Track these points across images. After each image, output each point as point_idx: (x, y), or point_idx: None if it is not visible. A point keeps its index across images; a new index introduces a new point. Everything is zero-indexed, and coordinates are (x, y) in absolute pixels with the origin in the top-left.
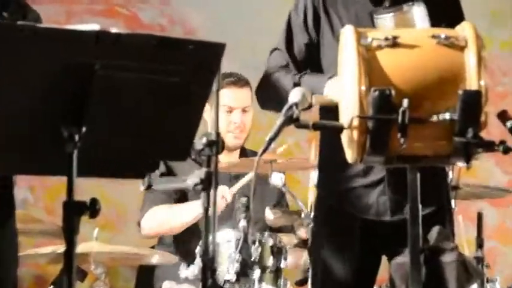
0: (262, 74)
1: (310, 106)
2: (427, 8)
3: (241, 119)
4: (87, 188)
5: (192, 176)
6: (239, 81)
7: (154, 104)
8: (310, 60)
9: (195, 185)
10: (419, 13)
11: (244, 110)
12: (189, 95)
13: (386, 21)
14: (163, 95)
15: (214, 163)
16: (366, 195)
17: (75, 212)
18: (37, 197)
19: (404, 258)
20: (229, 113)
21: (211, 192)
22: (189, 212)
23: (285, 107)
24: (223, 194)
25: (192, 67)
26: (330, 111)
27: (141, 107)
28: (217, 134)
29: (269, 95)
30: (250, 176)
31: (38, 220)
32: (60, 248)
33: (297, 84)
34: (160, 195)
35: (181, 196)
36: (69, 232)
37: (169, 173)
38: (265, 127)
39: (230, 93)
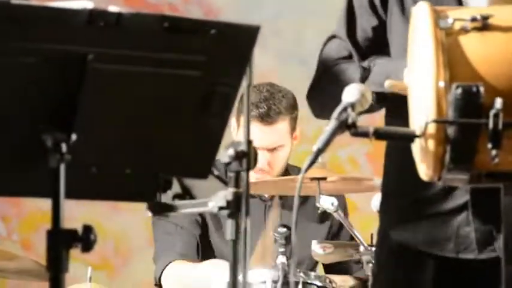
0: (316, 70)
1: (372, 108)
2: None
3: (268, 159)
4: (77, 215)
5: (215, 198)
6: (268, 116)
7: (165, 105)
8: (378, 48)
9: (220, 208)
10: None
11: (272, 149)
12: (212, 93)
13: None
14: (177, 94)
15: (245, 181)
16: (444, 225)
17: (63, 243)
18: (11, 228)
19: None
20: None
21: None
22: (221, 277)
23: (338, 109)
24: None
25: (215, 58)
26: (399, 115)
27: (147, 109)
28: (249, 143)
29: (327, 98)
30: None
31: (12, 256)
32: None
33: (366, 71)
34: (178, 235)
35: (205, 230)
36: (55, 270)
37: (186, 194)
38: (311, 138)
39: (254, 130)
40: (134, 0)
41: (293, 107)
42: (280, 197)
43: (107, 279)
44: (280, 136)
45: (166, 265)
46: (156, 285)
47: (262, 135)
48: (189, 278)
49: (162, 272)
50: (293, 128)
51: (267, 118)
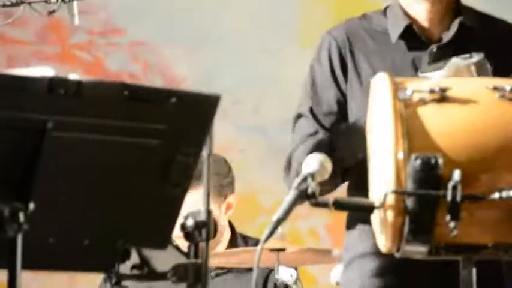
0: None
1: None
2: (489, 56)
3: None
4: (34, 287)
5: (173, 270)
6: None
7: (125, 174)
8: (342, 120)
9: (178, 279)
10: (478, 66)
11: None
12: (171, 162)
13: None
14: (137, 163)
15: (204, 252)
16: None
17: None
18: None
19: None
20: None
21: None
22: None
23: (297, 179)
24: None
25: (176, 126)
26: (361, 187)
27: (107, 178)
28: (209, 213)
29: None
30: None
31: None
32: None
33: (331, 148)
34: None
35: None
36: None
37: (144, 264)
38: (269, 210)
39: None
40: (94, 68)
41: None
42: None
43: None
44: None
45: None
46: None
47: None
48: None
49: None
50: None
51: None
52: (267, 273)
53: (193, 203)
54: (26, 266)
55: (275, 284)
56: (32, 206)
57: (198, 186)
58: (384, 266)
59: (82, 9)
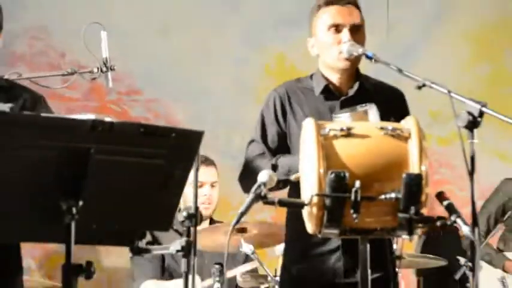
0: (243, 162)
1: (279, 186)
2: (378, 107)
3: (210, 192)
4: (82, 255)
5: (174, 244)
6: (207, 160)
7: (141, 182)
8: (282, 148)
9: (177, 251)
10: (371, 112)
11: (212, 185)
12: (171, 174)
13: (343, 119)
14: (149, 175)
15: (194, 233)
16: (324, 261)
17: (73, 273)
18: (39, 264)
19: None
20: (200, 187)
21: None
22: None
23: (254, 186)
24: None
25: (174, 151)
26: (296, 192)
27: (130, 184)
28: (196, 209)
29: (251, 180)
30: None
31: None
32: None
33: (275, 166)
34: (148, 265)
35: (164, 265)
36: None
37: (155, 241)
38: (236, 206)
39: (200, 170)
40: (122, 116)
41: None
42: None
43: None
44: (215, 175)
45: (142, 283)
46: None
47: (205, 172)
48: None
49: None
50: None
51: (206, 161)
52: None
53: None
54: (77, 242)
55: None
56: (80, 203)
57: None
58: (309, 244)
59: (114, 77)
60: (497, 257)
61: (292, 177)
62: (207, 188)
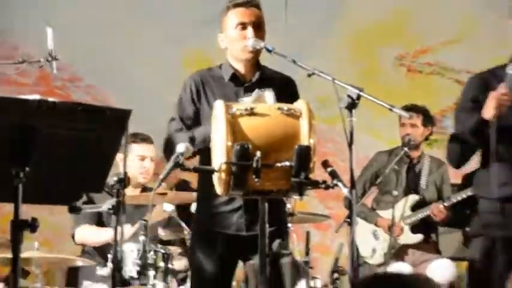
0: (165, 137)
1: (194, 155)
2: (274, 92)
3: (149, 165)
4: (28, 212)
5: (106, 204)
6: (148, 139)
7: (79, 151)
8: (196, 124)
9: (108, 209)
10: (269, 95)
11: (151, 159)
12: (104, 145)
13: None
14: (86, 145)
15: (122, 195)
16: (229, 217)
17: (20, 227)
18: None
19: (255, 261)
20: (142, 160)
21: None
22: (105, 235)
23: (174, 156)
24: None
25: (107, 126)
26: (207, 158)
27: (69, 154)
28: (125, 174)
29: (172, 151)
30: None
31: None
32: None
33: (192, 138)
34: (84, 218)
35: (99, 219)
36: (15, 242)
37: (90, 201)
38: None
39: (143, 147)
40: (65, 98)
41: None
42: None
43: (47, 250)
44: (153, 151)
45: (77, 228)
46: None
47: (147, 148)
48: (94, 232)
49: (75, 231)
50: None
51: (148, 139)
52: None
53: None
54: (25, 201)
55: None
56: (27, 169)
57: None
58: (217, 204)
59: (58, 66)
60: (371, 215)
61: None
62: (147, 162)
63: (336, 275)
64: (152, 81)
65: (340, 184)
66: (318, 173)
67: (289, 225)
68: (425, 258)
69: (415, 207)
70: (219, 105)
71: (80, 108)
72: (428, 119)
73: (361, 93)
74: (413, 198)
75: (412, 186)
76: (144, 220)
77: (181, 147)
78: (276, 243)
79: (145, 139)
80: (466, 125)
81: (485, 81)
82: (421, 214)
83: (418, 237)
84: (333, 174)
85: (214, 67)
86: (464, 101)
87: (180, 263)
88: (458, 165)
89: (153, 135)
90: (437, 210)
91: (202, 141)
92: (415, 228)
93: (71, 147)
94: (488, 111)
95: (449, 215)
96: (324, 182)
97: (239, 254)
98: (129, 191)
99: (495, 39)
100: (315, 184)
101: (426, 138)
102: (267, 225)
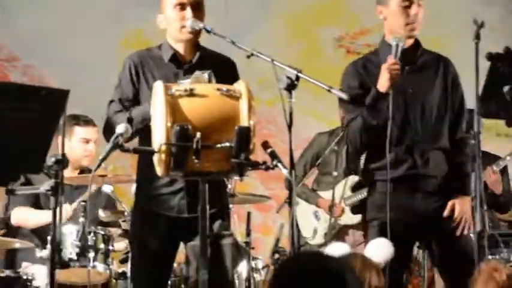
0: (105, 119)
1: (132, 137)
2: (214, 73)
3: (92, 148)
4: None
5: (44, 185)
6: (91, 121)
7: (17, 132)
8: (135, 105)
9: (47, 191)
10: (208, 76)
11: (94, 142)
12: (41, 126)
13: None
14: (24, 126)
15: (60, 176)
16: (170, 199)
17: None
18: None
19: (196, 242)
20: (86, 144)
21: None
22: (43, 217)
23: (113, 137)
24: (66, 209)
25: (44, 106)
26: (147, 139)
27: (7, 134)
28: (63, 155)
29: (111, 132)
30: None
31: None
32: None
33: (130, 119)
34: (21, 199)
35: (36, 200)
36: None
37: (28, 182)
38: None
39: (87, 130)
40: (2, 78)
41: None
42: None
43: None
44: (96, 134)
45: (13, 209)
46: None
47: (91, 131)
48: (31, 214)
49: (11, 212)
50: None
51: (91, 122)
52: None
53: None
54: None
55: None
56: None
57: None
58: (157, 185)
59: None
60: (312, 196)
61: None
62: (91, 145)
63: (277, 256)
64: (92, 61)
65: (280, 165)
66: (259, 154)
67: (230, 206)
68: (366, 239)
69: (355, 188)
70: (158, 86)
71: (16, 88)
72: None
73: (299, 74)
74: (353, 178)
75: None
76: (84, 201)
77: (120, 128)
78: (217, 225)
79: (88, 122)
80: (361, 107)
81: (364, 66)
82: (361, 195)
83: (358, 217)
84: (273, 155)
85: (153, 47)
86: (347, 88)
87: (120, 245)
88: (360, 151)
89: (92, 116)
90: None
91: (141, 121)
92: (355, 209)
93: (6, 127)
94: (383, 84)
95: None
96: (264, 163)
97: (180, 235)
98: (68, 172)
99: (430, 20)
100: (255, 165)
101: None
102: (207, 207)
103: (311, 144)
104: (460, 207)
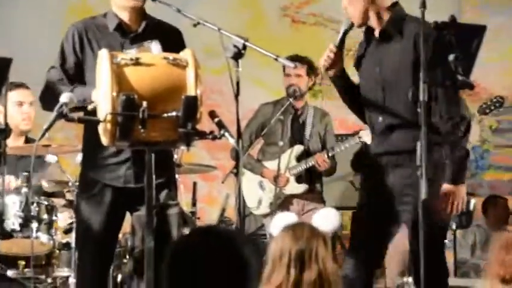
0: (44, 84)
1: (83, 107)
2: (160, 42)
3: (29, 110)
4: None
5: None
6: (23, 84)
7: None
8: (78, 76)
9: None
10: (155, 46)
11: (30, 104)
12: None
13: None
14: None
15: (3, 146)
16: (117, 169)
17: None
18: None
19: (142, 212)
20: (20, 106)
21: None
22: None
23: (57, 106)
24: (11, 180)
25: None
26: (92, 112)
27: None
28: (6, 124)
29: (50, 100)
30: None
31: None
32: None
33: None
34: None
35: None
36: None
37: None
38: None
39: (19, 92)
40: None
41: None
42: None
43: None
44: (31, 96)
45: None
46: None
47: (24, 93)
48: None
49: None
50: None
51: (23, 85)
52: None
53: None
54: None
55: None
56: None
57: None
58: (103, 155)
59: None
60: (257, 166)
61: (89, 107)
62: (26, 107)
63: (222, 225)
64: (36, 30)
65: (227, 134)
66: (206, 124)
67: (177, 176)
68: (310, 208)
69: (300, 158)
70: (103, 54)
71: None
72: (312, 69)
73: (246, 43)
74: (298, 148)
75: (297, 137)
76: (27, 172)
77: (65, 97)
78: (163, 194)
79: (20, 85)
80: None
81: None
82: (305, 164)
83: (303, 187)
84: (220, 125)
85: (98, 16)
86: None
87: (64, 215)
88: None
89: (37, 88)
90: (321, 160)
91: (82, 101)
92: (300, 178)
93: None
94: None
95: (332, 165)
96: (211, 132)
97: (127, 205)
98: (12, 142)
99: None
100: (202, 135)
101: (310, 89)
102: (154, 177)
103: (256, 114)
104: None
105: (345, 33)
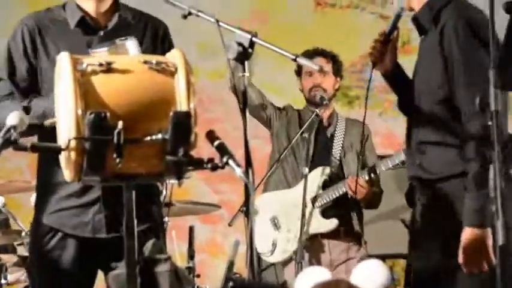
0: None
1: (31, 132)
2: (140, 40)
3: None
4: None
5: None
6: None
7: None
8: (33, 87)
9: None
10: (132, 45)
11: None
12: None
13: (102, 55)
14: None
15: None
16: (82, 213)
17: None
18: None
19: (120, 270)
20: None
21: None
22: None
23: (3, 131)
24: None
25: None
26: (51, 134)
27: None
28: None
29: None
30: None
31: None
32: None
33: (27, 108)
34: None
35: None
36: None
37: None
38: None
39: None
40: None
41: None
42: None
43: None
44: None
45: None
46: None
47: None
48: None
49: None
50: None
51: None
52: None
53: None
54: None
55: None
56: None
57: None
58: (64, 195)
59: None
60: None
61: (47, 123)
62: None
63: (231, 284)
64: None
65: (231, 162)
66: (205, 148)
67: (166, 219)
68: (348, 257)
69: (327, 184)
70: (64, 59)
71: None
72: (339, 68)
73: (255, 39)
74: (323, 171)
75: (322, 156)
76: None
77: (12, 118)
78: (148, 246)
79: None
80: None
81: None
82: (335, 192)
83: (333, 223)
84: (222, 150)
85: (54, 7)
86: None
87: (16, 276)
88: None
89: None
90: (355, 185)
91: (41, 115)
92: (328, 212)
93: None
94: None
95: (375, 192)
96: (211, 160)
97: (98, 262)
98: None
99: None
100: (198, 163)
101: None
102: (135, 222)
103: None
104: None
105: (397, 17)
